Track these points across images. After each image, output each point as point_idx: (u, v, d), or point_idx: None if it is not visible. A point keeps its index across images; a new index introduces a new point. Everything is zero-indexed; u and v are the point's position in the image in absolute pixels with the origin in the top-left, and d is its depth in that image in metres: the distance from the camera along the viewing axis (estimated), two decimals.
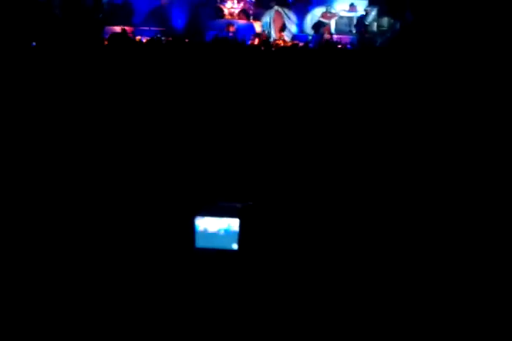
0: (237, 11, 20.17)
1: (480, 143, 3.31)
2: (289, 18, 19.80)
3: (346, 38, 20.86)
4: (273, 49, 13.12)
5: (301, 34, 22.06)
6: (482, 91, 6.55)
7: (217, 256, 1.32)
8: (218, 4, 20.06)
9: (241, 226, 1.31)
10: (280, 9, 19.39)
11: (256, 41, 18.06)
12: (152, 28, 19.51)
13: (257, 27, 22.10)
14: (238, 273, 1.47)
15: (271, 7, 19.77)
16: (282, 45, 16.62)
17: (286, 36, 19.24)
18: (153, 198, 1.64)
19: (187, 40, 15.40)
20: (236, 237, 1.31)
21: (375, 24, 22.81)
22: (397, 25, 21.91)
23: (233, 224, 1.31)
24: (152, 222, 1.50)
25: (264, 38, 18.32)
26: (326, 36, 19.80)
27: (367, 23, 22.51)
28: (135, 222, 1.65)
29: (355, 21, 21.91)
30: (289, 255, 2.02)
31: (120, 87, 5.09)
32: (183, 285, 1.47)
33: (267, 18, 20.04)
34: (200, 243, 1.32)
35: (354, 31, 21.23)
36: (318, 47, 16.25)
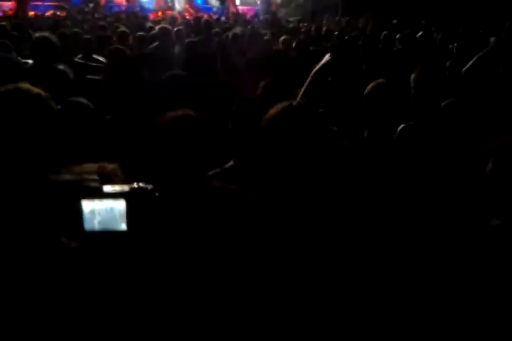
0: None
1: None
2: None
3: (251, 10, 20.74)
4: (179, 21, 12.73)
5: (205, 6, 21.65)
6: None
7: (107, 237, 1.27)
8: None
9: (128, 207, 1.28)
10: None
11: (159, 14, 17.50)
12: (46, 3, 18.31)
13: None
14: (128, 253, 1.41)
15: None
16: (188, 17, 16.20)
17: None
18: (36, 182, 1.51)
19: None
20: (124, 218, 1.27)
21: None
22: None
23: (120, 205, 1.28)
24: (37, 207, 1.38)
25: (168, 10, 17.80)
26: (232, 8, 19.56)
27: None
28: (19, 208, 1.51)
29: None
30: (177, 234, 1.97)
31: None
32: (75, 268, 1.38)
33: None
34: (88, 226, 1.25)
35: (258, 2, 21.15)
36: (226, 18, 16.00)
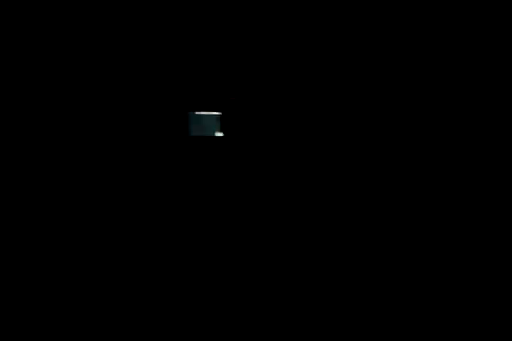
0: None
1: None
2: None
3: None
4: None
5: None
6: None
7: (207, 141, 1.59)
8: None
9: (223, 117, 1.67)
10: None
11: None
12: None
13: None
14: (224, 156, 1.71)
15: None
16: None
17: None
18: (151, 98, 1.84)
19: None
20: (219, 126, 1.66)
21: None
22: None
23: (218, 116, 1.67)
24: (152, 116, 1.77)
25: None
26: None
27: None
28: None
29: None
30: (266, 141, 2.14)
31: None
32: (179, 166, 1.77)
33: None
34: (193, 132, 1.65)
35: None
36: None
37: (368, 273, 1.91)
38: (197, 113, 1.74)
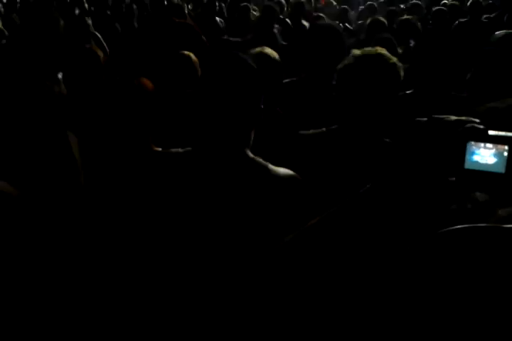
0: None
1: None
2: None
3: None
4: None
5: None
6: None
7: (483, 176, 1.43)
8: None
9: (510, 152, 1.42)
10: None
11: None
12: None
13: None
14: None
15: None
16: None
17: None
18: None
19: None
20: (504, 162, 1.42)
21: None
22: None
23: (502, 149, 1.43)
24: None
25: None
26: None
27: None
28: None
29: None
30: None
31: None
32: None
33: None
34: (468, 165, 1.45)
35: None
36: None
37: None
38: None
